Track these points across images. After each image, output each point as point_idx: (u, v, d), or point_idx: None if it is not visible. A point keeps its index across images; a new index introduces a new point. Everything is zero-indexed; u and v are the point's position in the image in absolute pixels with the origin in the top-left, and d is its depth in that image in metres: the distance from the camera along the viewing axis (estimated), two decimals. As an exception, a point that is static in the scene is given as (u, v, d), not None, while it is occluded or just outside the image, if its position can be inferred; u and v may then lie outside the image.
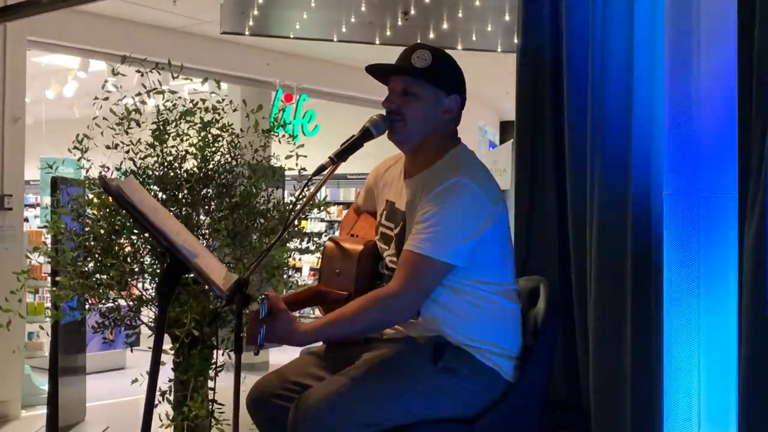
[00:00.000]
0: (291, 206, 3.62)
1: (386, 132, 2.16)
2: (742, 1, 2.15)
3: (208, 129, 3.57)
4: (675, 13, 2.24)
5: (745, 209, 2.13)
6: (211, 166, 3.57)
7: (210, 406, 3.19)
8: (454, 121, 2.19)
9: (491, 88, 9.48)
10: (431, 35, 6.17)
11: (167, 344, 3.26)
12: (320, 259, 2.32)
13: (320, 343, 2.27)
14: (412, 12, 5.83)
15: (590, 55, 2.47)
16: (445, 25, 6.06)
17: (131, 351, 3.73)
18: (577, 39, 2.54)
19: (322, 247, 3.85)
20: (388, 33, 6.25)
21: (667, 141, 2.28)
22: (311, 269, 10.28)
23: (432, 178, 2.11)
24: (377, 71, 2.18)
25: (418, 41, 6.22)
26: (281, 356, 6.16)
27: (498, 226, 2.10)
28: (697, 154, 2.22)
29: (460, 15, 5.94)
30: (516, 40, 2.81)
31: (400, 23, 6.07)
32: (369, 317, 2.02)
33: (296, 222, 3.53)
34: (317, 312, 2.31)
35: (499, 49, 6.56)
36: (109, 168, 3.56)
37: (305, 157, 3.67)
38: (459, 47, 6.30)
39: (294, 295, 2.22)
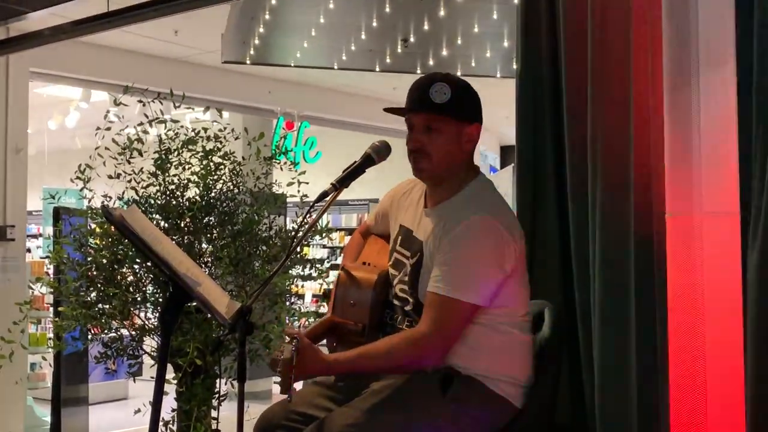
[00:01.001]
0: (293, 233, 3.62)
1: (412, 170, 2.13)
2: (740, 14, 2.17)
3: (210, 157, 3.59)
4: (673, 31, 2.25)
5: (747, 228, 2.12)
6: (213, 194, 3.58)
7: (213, 436, 3.17)
8: (474, 146, 2.19)
9: (491, 113, 9.45)
10: (431, 62, 6.22)
11: (170, 374, 3.24)
12: (333, 289, 2.26)
13: None
14: (412, 39, 5.88)
15: (589, 79, 2.48)
16: (444, 52, 6.10)
17: (134, 381, 3.70)
18: (576, 63, 2.55)
19: (325, 274, 3.87)
20: (388, 60, 6.30)
21: (667, 162, 2.29)
22: (314, 296, 10.25)
23: (454, 211, 2.09)
24: (396, 109, 2.14)
25: (418, 68, 6.31)
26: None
27: (519, 263, 2.10)
28: (698, 174, 2.22)
29: (459, 42, 5.98)
30: (515, 66, 2.83)
31: (399, 50, 6.12)
32: (400, 358, 2.01)
33: (298, 248, 3.52)
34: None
35: (498, 75, 6.59)
36: (111, 197, 3.57)
37: (307, 183, 3.68)
38: (458, 73, 6.33)
39: (310, 331, 2.20)
